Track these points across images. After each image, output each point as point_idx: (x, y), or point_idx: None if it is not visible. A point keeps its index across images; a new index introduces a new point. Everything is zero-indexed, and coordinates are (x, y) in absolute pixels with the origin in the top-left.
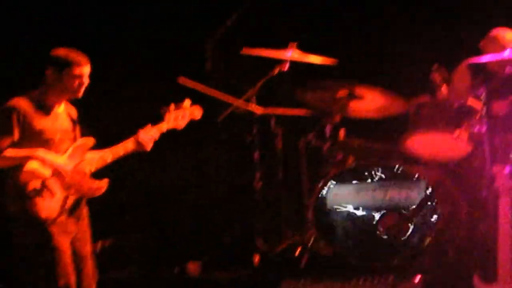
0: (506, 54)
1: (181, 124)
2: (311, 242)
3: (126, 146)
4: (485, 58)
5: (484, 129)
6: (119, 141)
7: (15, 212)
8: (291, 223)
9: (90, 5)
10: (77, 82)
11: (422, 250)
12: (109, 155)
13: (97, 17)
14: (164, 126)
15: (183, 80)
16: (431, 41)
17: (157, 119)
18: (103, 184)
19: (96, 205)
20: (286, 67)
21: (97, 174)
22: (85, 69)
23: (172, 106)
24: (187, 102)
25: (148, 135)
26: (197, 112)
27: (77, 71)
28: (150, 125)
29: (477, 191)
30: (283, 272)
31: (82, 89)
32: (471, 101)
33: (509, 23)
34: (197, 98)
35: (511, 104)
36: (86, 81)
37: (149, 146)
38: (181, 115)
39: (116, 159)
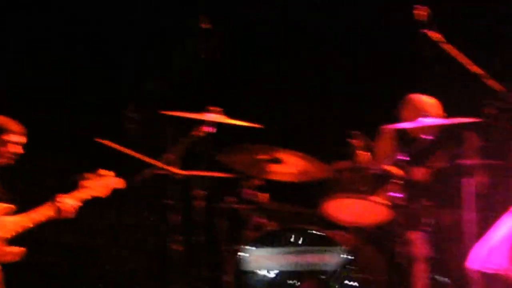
0: (421, 120)
1: (104, 192)
2: None
3: (46, 213)
4: (404, 125)
5: (402, 195)
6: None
7: None
8: (210, 287)
9: None
10: (11, 149)
11: None
12: (27, 220)
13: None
14: (83, 194)
15: (103, 141)
16: (352, 107)
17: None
18: (18, 251)
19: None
20: (210, 130)
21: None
22: (20, 138)
23: (85, 175)
24: (108, 172)
25: (67, 202)
26: (119, 183)
27: (13, 138)
28: (63, 194)
29: (394, 256)
30: None
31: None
32: (391, 167)
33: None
34: (115, 160)
35: (428, 170)
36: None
37: (71, 213)
38: (103, 183)
39: (38, 224)
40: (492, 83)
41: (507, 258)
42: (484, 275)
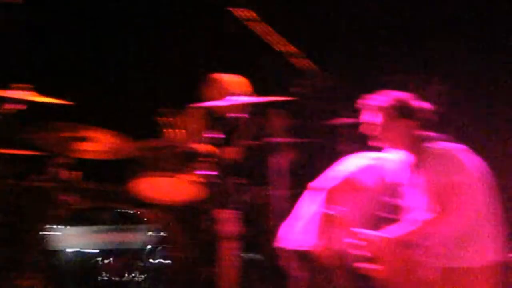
0: (229, 99)
1: None
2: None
3: None
4: (213, 103)
5: (213, 172)
6: None
7: None
8: (13, 266)
9: None
10: None
11: None
12: None
13: None
14: None
15: None
16: (161, 84)
17: None
18: None
19: None
20: (16, 107)
21: None
22: None
23: None
24: None
25: None
26: None
27: None
28: None
29: (204, 234)
30: None
31: None
32: (200, 145)
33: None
34: None
35: (238, 148)
36: None
37: None
38: None
39: None
40: (302, 62)
41: (314, 235)
42: (295, 252)
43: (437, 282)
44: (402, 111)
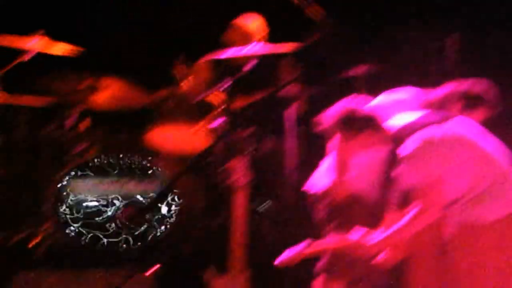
0: (249, 48)
1: None
2: (48, 233)
3: None
4: (227, 54)
5: (224, 124)
6: None
7: None
8: (28, 215)
9: None
10: None
11: (159, 242)
12: None
13: None
14: None
15: None
16: (177, 33)
17: None
18: None
19: None
20: (30, 55)
21: None
22: None
23: None
24: None
25: None
26: None
27: None
28: None
29: (216, 184)
30: (17, 264)
31: None
32: (213, 96)
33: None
34: None
35: (249, 98)
36: None
37: None
38: None
39: None
40: (311, 10)
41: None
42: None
43: (453, 239)
44: (351, 128)
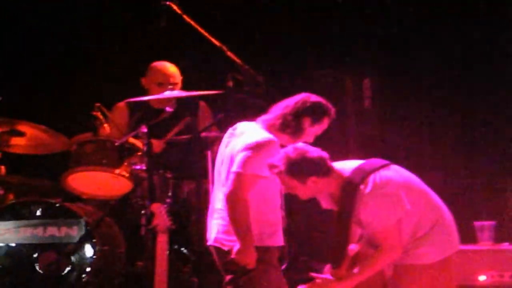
0: (165, 93)
1: None
2: None
3: None
4: (144, 98)
5: (144, 167)
6: None
7: None
8: None
9: None
10: None
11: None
12: None
13: None
14: None
15: None
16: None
17: None
18: None
19: None
20: None
21: None
22: None
23: None
24: None
25: None
26: None
27: None
28: None
29: (136, 228)
30: None
31: None
32: (134, 139)
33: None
34: None
35: (167, 142)
36: None
37: None
38: None
39: None
40: (232, 56)
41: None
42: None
43: (392, 279)
44: (296, 173)
